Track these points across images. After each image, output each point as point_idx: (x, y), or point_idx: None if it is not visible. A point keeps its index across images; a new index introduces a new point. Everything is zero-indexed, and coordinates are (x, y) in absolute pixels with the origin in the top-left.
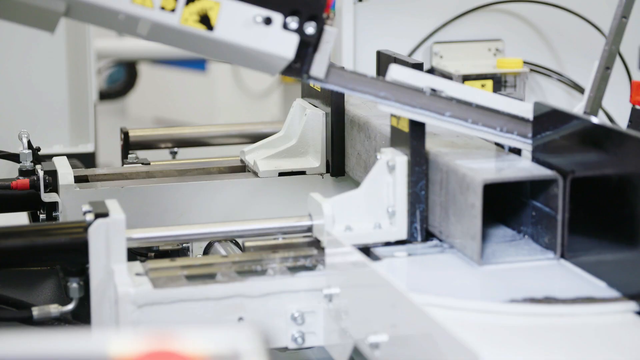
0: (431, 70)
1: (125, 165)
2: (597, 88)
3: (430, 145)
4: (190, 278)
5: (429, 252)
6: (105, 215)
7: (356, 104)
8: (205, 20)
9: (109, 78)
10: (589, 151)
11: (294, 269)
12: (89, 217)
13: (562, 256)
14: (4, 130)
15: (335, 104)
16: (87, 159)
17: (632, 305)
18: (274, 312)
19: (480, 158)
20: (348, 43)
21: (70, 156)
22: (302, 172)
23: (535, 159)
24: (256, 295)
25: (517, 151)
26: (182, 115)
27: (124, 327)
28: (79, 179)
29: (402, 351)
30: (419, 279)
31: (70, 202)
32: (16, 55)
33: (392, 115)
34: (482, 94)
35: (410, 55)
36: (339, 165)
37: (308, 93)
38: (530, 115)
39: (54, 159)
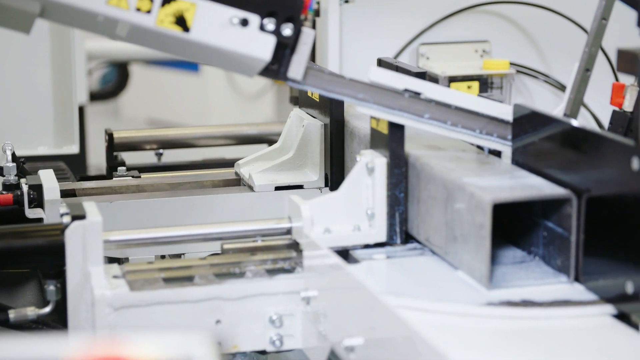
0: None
1: (114, 179)
2: (577, 90)
3: (426, 155)
4: (168, 281)
5: (408, 254)
6: (82, 217)
7: (356, 114)
8: (181, 21)
9: (103, 79)
10: (568, 154)
11: (272, 272)
12: (66, 219)
13: (576, 279)
14: None
15: (334, 114)
16: (72, 161)
17: (608, 308)
18: (252, 315)
19: (488, 175)
20: (334, 44)
21: (55, 158)
22: (300, 186)
23: (515, 161)
24: (233, 298)
25: (497, 153)
26: (175, 116)
27: (100, 329)
28: (65, 194)
29: (377, 354)
30: (397, 282)
31: (56, 219)
32: (0, 56)
33: (372, 117)
34: (461, 96)
35: (396, 56)
36: (338, 178)
37: (306, 103)
38: (510, 117)
39: (40, 172)
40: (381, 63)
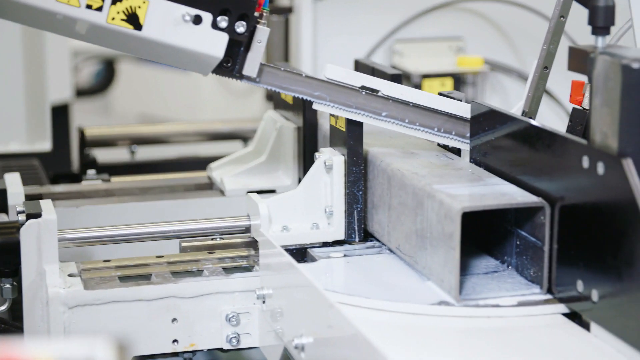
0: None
1: (83, 182)
2: (535, 88)
3: (398, 161)
4: (124, 279)
5: (365, 253)
6: (37, 215)
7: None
8: (133, 19)
9: (97, 75)
10: (524, 152)
11: (229, 270)
12: (21, 217)
13: (549, 291)
14: None
15: (307, 117)
16: (46, 158)
17: (560, 307)
18: (208, 313)
19: (459, 182)
20: (307, 42)
21: (28, 155)
22: (273, 191)
23: (472, 160)
24: (189, 296)
25: (456, 151)
26: (166, 112)
27: (55, 328)
28: (32, 198)
29: (325, 354)
30: (352, 280)
31: None
32: None
33: (331, 115)
34: (419, 94)
35: (370, 53)
36: None
37: (280, 104)
38: (469, 115)
39: (6, 176)
40: (358, 64)
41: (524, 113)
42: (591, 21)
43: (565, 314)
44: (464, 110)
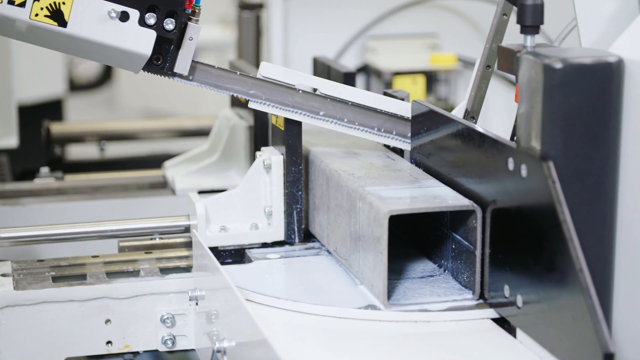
0: (364, 67)
1: (36, 180)
2: (477, 87)
3: (337, 161)
4: (58, 279)
5: (304, 254)
6: None
7: None
8: (57, 15)
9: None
10: (460, 154)
11: (167, 271)
12: None
13: (482, 296)
14: None
15: (258, 116)
16: (14, 155)
17: (490, 312)
18: (143, 314)
19: (394, 184)
20: (277, 39)
21: None
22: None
23: (412, 160)
24: (123, 297)
25: (400, 151)
26: (170, 105)
27: None
28: None
29: (244, 358)
30: (281, 283)
31: None
32: None
33: (272, 114)
34: (359, 93)
35: (343, 50)
36: None
37: (236, 102)
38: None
39: None
40: (316, 63)
41: (466, 112)
42: (520, 20)
43: (495, 320)
44: (405, 109)
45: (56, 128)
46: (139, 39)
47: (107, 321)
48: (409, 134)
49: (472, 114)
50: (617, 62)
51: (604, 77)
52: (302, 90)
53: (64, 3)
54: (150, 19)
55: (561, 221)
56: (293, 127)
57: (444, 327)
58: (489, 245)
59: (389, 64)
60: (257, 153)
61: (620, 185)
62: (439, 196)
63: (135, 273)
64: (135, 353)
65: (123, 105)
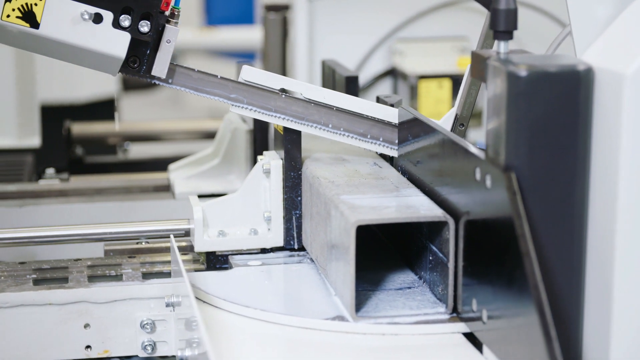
0: (392, 71)
1: (40, 182)
2: (467, 93)
3: (321, 167)
4: (39, 282)
5: (285, 262)
6: None
7: None
8: (29, 16)
9: None
10: (439, 162)
11: (149, 275)
12: None
13: (455, 310)
14: None
15: (258, 119)
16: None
17: (462, 327)
18: (122, 320)
19: (372, 192)
20: (302, 42)
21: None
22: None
23: (400, 168)
24: (102, 301)
25: (390, 158)
26: None
27: None
28: None
29: None
30: (253, 291)
31: None
32: None
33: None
34: (345, 98)
35: (370, 53)
36: None
37: None
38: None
39: None
40: (324, 65)
41: (456, 118)
42: (492, 25)
43: (467, 335)
44: (392, 115)
45: (76, 129)
46: (113, 41)
47: (86, 325)
48: (397, 141)
49: (461, 120)
50: (586, 70)
51: (571, 86)
52: (285, 95)
53: (36, 4)
54: (125, 21)
55: (518, 235)
56: (292, 132)
57: (412, 341)
58: (462, 257)
59: (416, 68)
60: (259, 157)
61: (591, 198)
62: (412, 206)
63: (118, 277)
64: (124, 358)
65: (187, 104)
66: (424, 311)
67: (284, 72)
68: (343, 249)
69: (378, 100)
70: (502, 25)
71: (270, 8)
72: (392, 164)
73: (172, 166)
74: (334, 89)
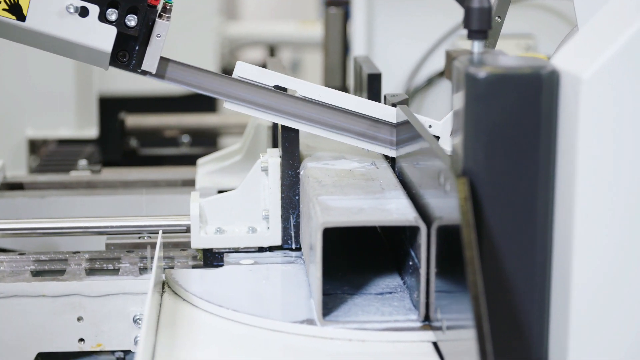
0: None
1: (72, 173)
2: None
3: (316, 166)
4: (37, 273)
5: (277, 262)
6: None
7: None
8: (16, 9)
9: None
10: (421, 165)
11: (146, 270)
12: None
13: (427, 319)
14: (15, 112)
15: None
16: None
17: (430, 335)
18: (115, 314)
19: (354, 194)
20: (360, 42)
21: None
22: None
23: (397, 169)
24: (95, 295)
25: (391, 159)
26: None
27: None
28: (13, 186)
29: None
30: (232, 290)
31: None
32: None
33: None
34: (341, 96)
35: (430, 52)
36: None
37: None
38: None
39: None
40: (355, 61)
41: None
42: (466, 24)
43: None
44: (390, 114)
45: (131, 121)
46: (99, 35)
47: (80, 318)
48: (395, 141)
49: None
50: (549, 73)
51: (533, 89)
52: (280, 92)
53: None
54: (112, 14)
55: (465, 242)
56: (289, 130)
57: (378, 348)
58: (435, 264)
59: None
60: (261, 154)
61: (556, 204)
62: (387, 210)
63: (115, 271)
64: (127, 352)
65: None
66: (396, 318)
67: (344, 68)
68: (314, 250)
69: (385, 98)
70: (476, 24)
71: (330, 3)
72: (393, 165)
73: (200, 161)
74: (361, 86)
